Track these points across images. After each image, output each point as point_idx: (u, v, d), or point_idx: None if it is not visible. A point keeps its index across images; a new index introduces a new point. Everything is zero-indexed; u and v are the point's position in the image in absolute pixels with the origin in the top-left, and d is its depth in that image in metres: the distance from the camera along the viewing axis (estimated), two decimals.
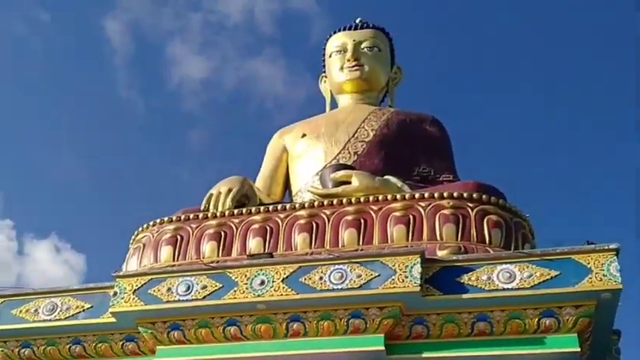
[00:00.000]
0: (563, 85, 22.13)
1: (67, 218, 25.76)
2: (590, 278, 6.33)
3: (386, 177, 9.06)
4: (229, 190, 8.97)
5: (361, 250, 7.47)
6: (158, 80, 25.69)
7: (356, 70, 11.11)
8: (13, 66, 24.22)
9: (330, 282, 6.66)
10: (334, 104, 11.62)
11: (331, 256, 6.88)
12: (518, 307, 6.46)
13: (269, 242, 7.99)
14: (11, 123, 24.12)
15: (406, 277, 6.51)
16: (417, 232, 7.72)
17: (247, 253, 7.62)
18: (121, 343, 7.21)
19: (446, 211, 7.79)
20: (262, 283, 6.78)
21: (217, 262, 7.56)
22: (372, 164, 9.72)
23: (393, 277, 6.54)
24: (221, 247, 8.06)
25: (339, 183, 8.82)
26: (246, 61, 25.89)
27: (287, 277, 6.77)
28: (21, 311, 7.38)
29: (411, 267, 6.56)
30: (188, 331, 6.89)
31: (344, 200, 8.26)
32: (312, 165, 9.92)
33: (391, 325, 6.57)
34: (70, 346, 7.28)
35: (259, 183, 10.59)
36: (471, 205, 7.89)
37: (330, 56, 11.57)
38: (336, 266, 6.73)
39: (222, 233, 8.21)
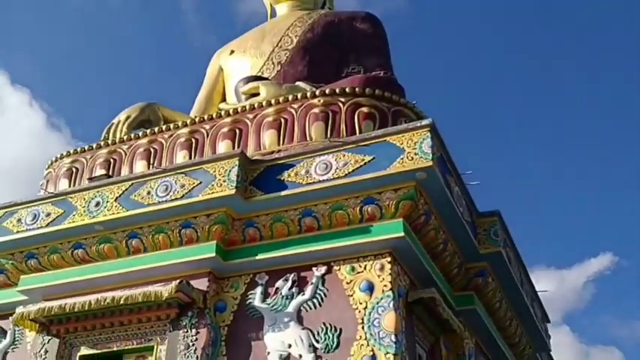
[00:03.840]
0: None
1: None
2: (402, 159, 5.98)
3: (296, 83, 8.76)
4: (127, 118, 9.03)
5: None
6: None
7: None
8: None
9: (157, 195, 6.59)
10: (274, 15, 11.23)
11: (158, 169, 6.80)
12: (339, 198, 6.19)
13: (153, 164, 7.97)
14: None
15: (224, 181, 6.36)
16: (288, 134, 7.49)
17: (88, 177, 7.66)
18: None
19: (316, 110, 7.50)
20: (98, 204, 6.80)
21: None
22: (296, 71, 9.39)
23: (213, 183, 6.40)
24: (110, 174, 8.10)
25: (250, 95, 8.63)
26: None
27: (120, 195, 6.75)
28: None
29: (229, 171, 6.38)
30: (42, 258, 7.02)
31: (222, 113, 8.10)
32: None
33: (222, 231, 6.44)
34: None
35: (195, 107, 10.49)
36: (342, 100, 7.55)
37: None
38: (164, 179, 6.65)
39: (112, 160, 8.25)
